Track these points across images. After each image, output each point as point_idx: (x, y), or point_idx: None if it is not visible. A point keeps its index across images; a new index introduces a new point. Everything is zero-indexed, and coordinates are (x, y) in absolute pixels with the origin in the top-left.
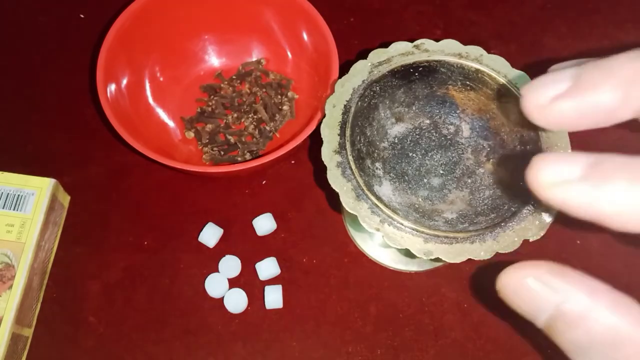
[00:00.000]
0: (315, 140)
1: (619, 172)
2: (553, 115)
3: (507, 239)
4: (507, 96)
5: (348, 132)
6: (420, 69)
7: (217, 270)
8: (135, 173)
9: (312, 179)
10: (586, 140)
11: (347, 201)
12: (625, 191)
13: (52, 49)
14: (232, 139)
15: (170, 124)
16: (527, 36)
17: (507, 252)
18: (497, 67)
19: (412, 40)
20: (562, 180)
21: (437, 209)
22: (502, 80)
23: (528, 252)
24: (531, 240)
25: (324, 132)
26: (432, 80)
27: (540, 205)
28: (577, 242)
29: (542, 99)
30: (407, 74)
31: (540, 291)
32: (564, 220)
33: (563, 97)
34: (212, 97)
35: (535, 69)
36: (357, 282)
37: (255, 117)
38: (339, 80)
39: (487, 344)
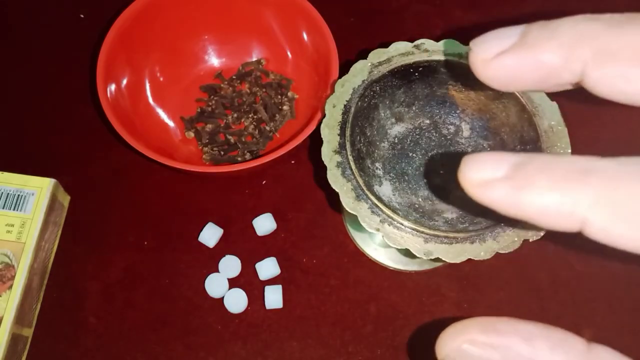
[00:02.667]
0: (315, 140)
1: (540, 174)
2: (496, 70)
3: (507, 239)
4: (507, 96)
5: (348, 132)
6: (420, 69)
7: (217, 270)
8: (135, 173)
9: (312, 179)
10: (587, 140)
11: (347, 201)
12: (545, 192)
13: (52, 49)
14: (232, 139)
15: (170, 124)
16: None
17: (507, 252)
18: None
19: (412, 40)
20: (488, 180)
21: (437, 209)
22: None
23: (528, 252)
24: (531, 240)
25: (324, 132)
26: (432, 80)
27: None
28: (576, 242)
29: (487, 53)
30: (407, 74)
31: (479, 355)
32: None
33: (507, 53)
34: (212, 97)
35: None
36: (357, 282)
37: (255, 117)
38: (339, 80)
39: None
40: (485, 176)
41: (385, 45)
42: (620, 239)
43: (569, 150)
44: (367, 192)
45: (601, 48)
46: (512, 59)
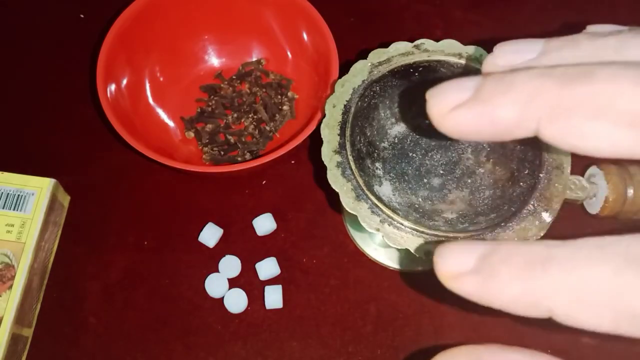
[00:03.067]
0: (315, 140)
1: (502, 265)
2: (451, 124)
3: (507, 239)
4: None
5: (348, 132)
6: (420, 69)
7: (217, 270)
8: (135, 173)
9: (312, 179)
10: None
11: (347, 201)
12: (508, 284)
13: (52, 49)
14: (232, 139)
15: (170, 124)
16: (527, 36)
17: None
18: None
19: (412, 40)
20: (458, 273)
21: (437, 209)
22: None
23: None
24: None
25: (324, 132)
26: (432, 80)
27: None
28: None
29: (442, 106)
30: (407, 74)
31: None
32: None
33: (461, 108)
34: (212, 97)
35: None
36: (357, 282)
37: (255, 117)
38: (339, 80)
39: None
40: (456, 269)
41: (385, 45)
42: (585, 323)
43: (569, 154)
44: (367, 192)
45: (554, 105)
46: (466, 114)
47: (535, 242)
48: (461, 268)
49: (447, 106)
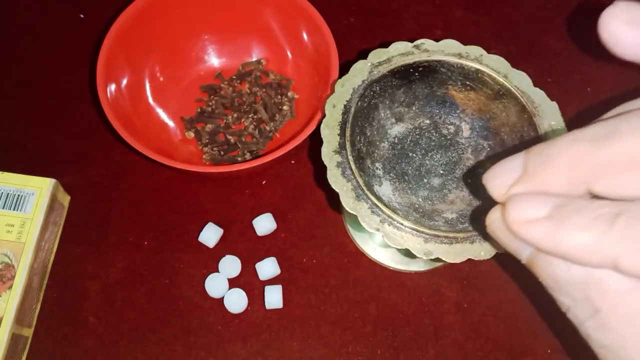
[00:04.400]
0: (315, 140)
1: (576, 215)
2: (512, 200)
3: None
4: (507, 96)
5: (348, 132)
6: (420, 69)
7: (217, 270)
8: (135, 173)
9: (312, 179)
10: None
11: (347, 201)
12: (579, 231)
13: (52, 49)
14: (232, 139)
15: (170, 124)
16: (527, 36)
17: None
18: (497, 67)
19: (412, 40)
20: (530, 219)
21: (437, 209)
22: (502, 80)
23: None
24: None
25: (324, 132)
26: (432, 80)
27: None
28: None
29: (500, 187)
30: (407, 74)
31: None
32: None
33: (517, 186)
34: (212, 97)
35: (535, 68)
36: (357, 282)
37: (255, 117)
38: (339, 80)
39: (487, 344)
40: (529, 215)
41: (385, 45)
42: None
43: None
44: (367, 192)
45: (595, 168)
46: (522, 189)
47: (605, 200)
48: (534, 215)
49: (504, 187)
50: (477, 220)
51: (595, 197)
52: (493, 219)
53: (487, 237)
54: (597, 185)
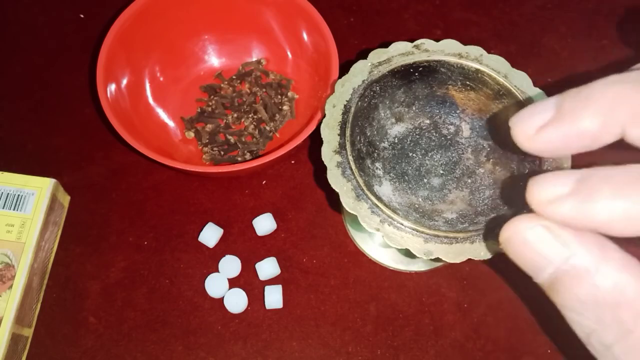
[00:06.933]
0: (315, 140)
1: (603, 185)
2: (541, 143)
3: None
4: (507, 96)
5: (348, 132)
6: (420, 69)
7: (217, 270)
8: (135, 173)
9: (312, 179)
10: None
11: (347, 201)
12: (610, 200)
13: (52, 49)
14: (232, 139)
15: (170, 124)
16: (527, 36)
17: None
18: (497, 67)
19: (412, 40)
20: (555, 197)
21: (437, 209)
22: (502, 80)
23: None
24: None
25: (324, 132)
26: (432, 80)
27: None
28: None
29: (528, 129)
30: (407, 74)
31: (549, 243)
32: None
33: (547, 127)
34: (212, 97)
35: (535, 68)
36: (357, 282)
37: (255, 117)
38: (339, 80)
39: (487, 344)
40: (553, 193)
41: (385, 45)
42: None
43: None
44: (367, 192)
45: (635, 110)
46: (553, 132)
47: (629, 165)
48: (559, 192)
49: (533, 128)
50: (477, 222)
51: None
52: (511, 233)
53: (487, 237)
54: (634, 129)
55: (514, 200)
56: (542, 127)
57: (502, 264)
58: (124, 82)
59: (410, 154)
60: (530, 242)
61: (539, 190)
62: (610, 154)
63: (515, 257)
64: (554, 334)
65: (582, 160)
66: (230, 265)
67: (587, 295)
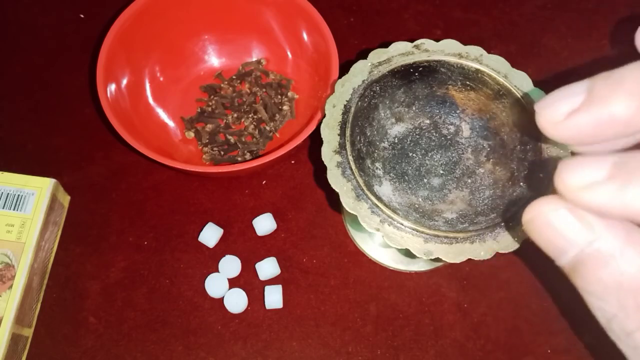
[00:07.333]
0: (315, 140)
1: None
2: (570, 130)
3: (507, 239)
4: (507, 96)
5: (348, 132)
6: (420, 69)
7: (217, 270)
8: (135, 173)
9: (312, 179)
10: None
11: (347, 201)
12: None
13: (52, 49)
14: (232, 139)
15: (170, 124)
16: (527, 36)
17: (507, 252)
18: (497, 67)
19: (412, 40)
20: (590, 182)
21: (437, 209)
22: (502, 80)
23: (528, 252)
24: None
25: (324, 132)
26: (432, 80)
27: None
28: None
29: (556, 114)
30: (407, 74)
31: (573, 225)
32: None
33: (578, 112)
34: (212, 97)
35: (535, 68)
36: (357, 282)
37: (255, 117)
38: (339, 80)
39: (487, 344)
40: (587, 179)
41: (385, 45)
42: None
43: (569, 150)
44: (367, 192)
45: None
46: (584, 117)
47: None
48: (594, 177)
49: (562, 114)
50: (477, 222)
51: None
52: (535, 214)
53: (487, 237)
54: None
55: (513, 201)
56: (571, 112)
57: (502, 264)
58: (124, 82)
59: (410, 154)
60: (553, 224)
61: (571, 176)
62: None
63: (537, 239)
64: (554, 334)
65: None
66: (230, 265)
67: (610, 280)
